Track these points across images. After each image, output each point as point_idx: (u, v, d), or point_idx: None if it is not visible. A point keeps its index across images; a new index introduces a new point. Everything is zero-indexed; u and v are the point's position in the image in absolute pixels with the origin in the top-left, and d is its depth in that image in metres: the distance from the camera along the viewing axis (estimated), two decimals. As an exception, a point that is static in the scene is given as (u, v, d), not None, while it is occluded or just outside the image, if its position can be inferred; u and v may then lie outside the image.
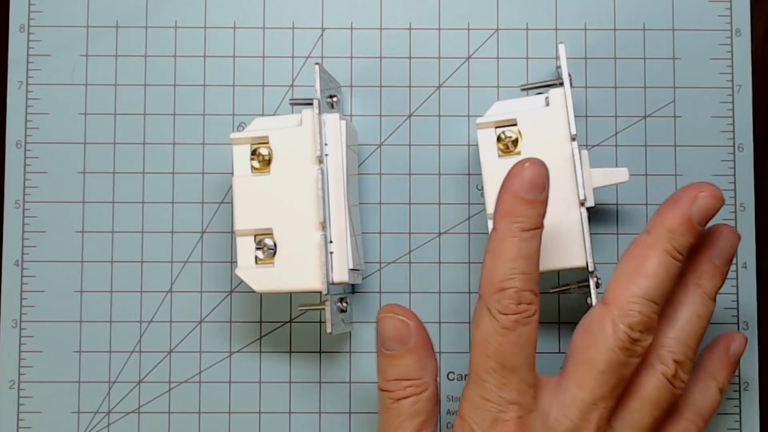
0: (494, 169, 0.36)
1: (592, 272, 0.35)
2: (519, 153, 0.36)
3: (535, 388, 0.33)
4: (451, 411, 0.40)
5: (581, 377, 0.33)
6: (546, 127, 0.36)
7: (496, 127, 0.37)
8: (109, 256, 0.41)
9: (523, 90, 0.38)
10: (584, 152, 0.36)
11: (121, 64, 0.42)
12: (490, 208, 0.36)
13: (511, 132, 0.36)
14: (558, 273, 0.40)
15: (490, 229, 0.34)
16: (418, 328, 0.35)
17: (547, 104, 0.36)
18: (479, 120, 0.37)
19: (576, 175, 0.35)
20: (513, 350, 0.32)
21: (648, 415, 0.34)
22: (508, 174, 0.33)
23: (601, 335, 0.33)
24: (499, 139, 0.37)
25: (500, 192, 0.33)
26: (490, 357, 0.33)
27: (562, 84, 0.36)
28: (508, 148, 0.36)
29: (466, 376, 0.39)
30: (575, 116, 0.36)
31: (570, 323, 0.40)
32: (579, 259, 0.35)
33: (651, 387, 0.34)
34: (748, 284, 0.41)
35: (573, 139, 0.35)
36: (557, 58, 0.36)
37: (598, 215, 0.41)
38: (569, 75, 0.36)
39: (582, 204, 0.35)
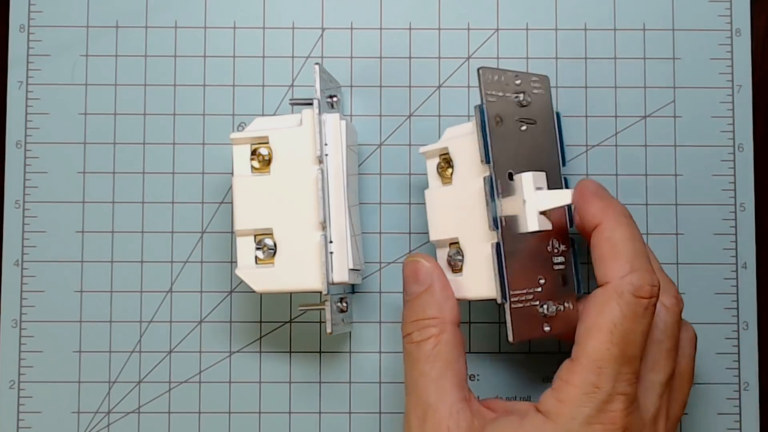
0: (434, 197, 0.37)
1: (502, 304, 0.34)
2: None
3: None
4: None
5: (653, 360, 0.34)
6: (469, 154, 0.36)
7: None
8: (109, 256, 0.41)
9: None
10: (527, 175, 0.35)
11: (121, 64, 0.42)
12: (433, 235, 0.37)
13: (446, 159, 0.37)
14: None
15: (437, 256, 0.36)
16: (435, 269, 0.35)
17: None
18: (421, 149, 0.38)
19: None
20: (637, 340, 0.32)
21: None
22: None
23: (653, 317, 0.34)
24: (439, 166, 0.37)
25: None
26: (615, 344, 0.32)
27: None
28: (445, 172, 0.37)
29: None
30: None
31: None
32: (488, 290, 0.35)
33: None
34: (748, 284, 0.41)
35: (487, 172, 0.35)
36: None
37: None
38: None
39: (496, 239, 0.34)
